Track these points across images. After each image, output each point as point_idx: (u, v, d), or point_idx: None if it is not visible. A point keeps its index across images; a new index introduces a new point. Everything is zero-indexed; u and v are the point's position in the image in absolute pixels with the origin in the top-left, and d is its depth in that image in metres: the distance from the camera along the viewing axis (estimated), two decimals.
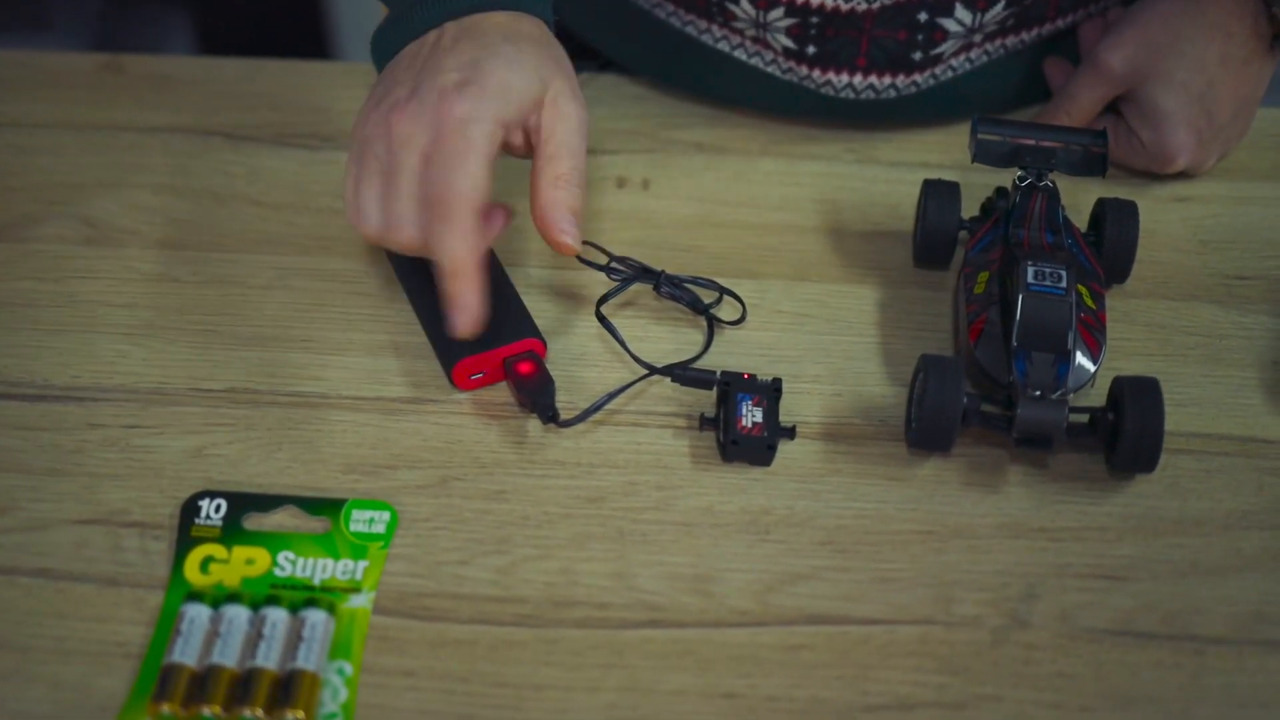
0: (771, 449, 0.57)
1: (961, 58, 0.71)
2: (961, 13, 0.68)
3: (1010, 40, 0.72)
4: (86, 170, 0.72)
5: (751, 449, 0.57)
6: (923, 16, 0.68)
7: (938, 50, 0.69)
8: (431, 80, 0.55)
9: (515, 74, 0.55)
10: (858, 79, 0.70)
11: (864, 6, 0.67)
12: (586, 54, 0.77)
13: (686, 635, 0.53)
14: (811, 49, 0.69)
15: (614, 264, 0.65)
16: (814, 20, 0.68)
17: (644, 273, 0.64)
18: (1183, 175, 0.71)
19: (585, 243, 0.65)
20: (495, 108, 0.54)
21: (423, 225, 0.54)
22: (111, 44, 1.59)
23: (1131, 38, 0.68)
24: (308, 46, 1.61)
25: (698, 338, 0.64)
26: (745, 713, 0.51)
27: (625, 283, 0.64)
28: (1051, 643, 0.53)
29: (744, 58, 0.72)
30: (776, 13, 0.69)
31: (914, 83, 0.71)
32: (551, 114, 0.56)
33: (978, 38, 0.70)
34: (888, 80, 0.70)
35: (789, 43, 0.69)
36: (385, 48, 0.60)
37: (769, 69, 0.71)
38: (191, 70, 0.78)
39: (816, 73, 0.70)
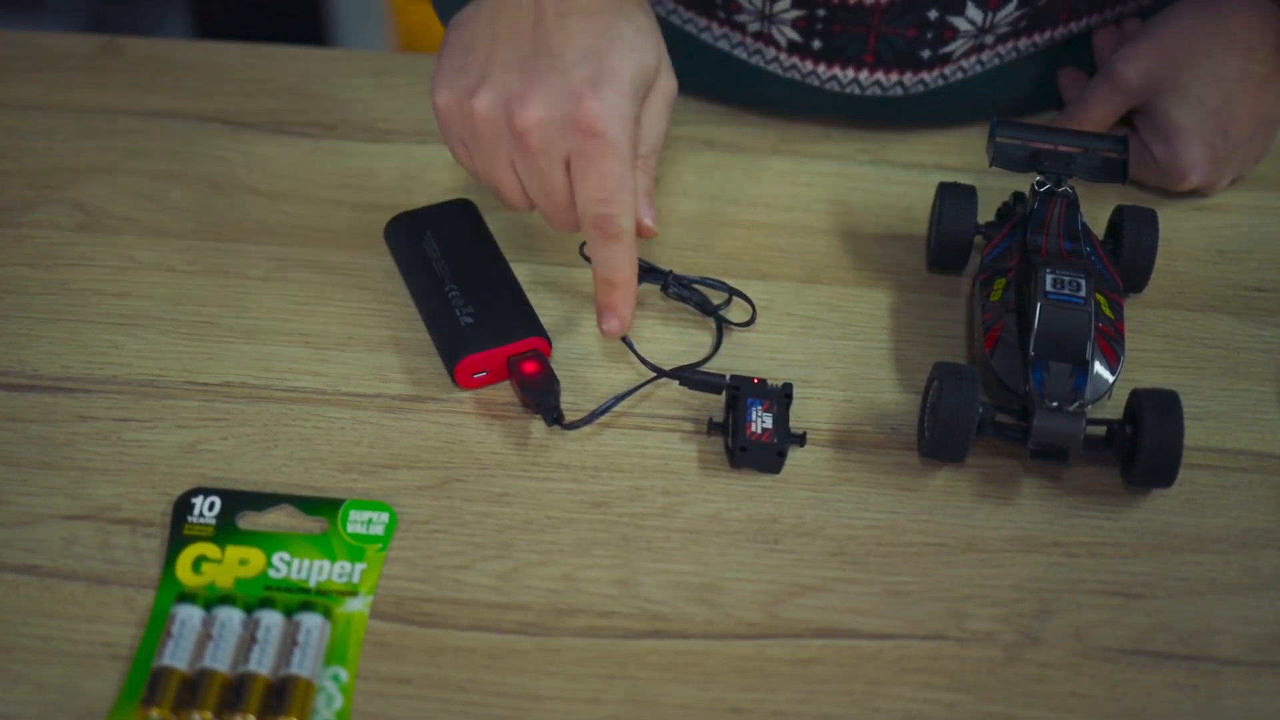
0: (781, 456, 0.56)
1: (972, 59, 0.70)
2: (972, 11, 0.66)
3: (1023, 43, 0.71)
4: (81, 155, 0.70)
5: (761, 456, 0.56)
6: (933, 14, 0.66)
7: (947, 49, 0.68)
8: (553, 74, 0.52)
9: (640, 59, 0.53)
10: (864, 75, 0.68)
11: (871, 1, 0.66)
12: None
13: (691, 647, 0.51)
14: (818, 43, 0.68)
15: None
16: (821, 14, 0.67)
17: (651, 272, 0.63)
18: (1198, 192, 0.69)
19: None
20: (632, 106, 0.53)
21: (578, 229, 0.55)
22: (105, 27, 1.57)
23: (1148, 49, 0.66)
24: (305, 33, 1.59)
25: (706, 339, 0.62)
26: None
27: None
28: (1065, 661, 0.52)
29: (744, 56, 0.70)
30: (783, 4, 0.67)
31: (922, 81, 0.69)
32: (652, 91, 0.55)
33: (989, 39, 0.69)
34: (895, 78, 0.69)
35: (795, 36, 0.68)
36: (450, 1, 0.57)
37: (770, 67, 0.70)
38: (190, 54, 0.76)
39: (822, 68, 0.68)
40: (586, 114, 0.51)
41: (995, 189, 0.68)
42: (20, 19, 1.54)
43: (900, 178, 0.70)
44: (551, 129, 0.52)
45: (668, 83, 0.55)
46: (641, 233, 0.55)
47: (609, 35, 0.52)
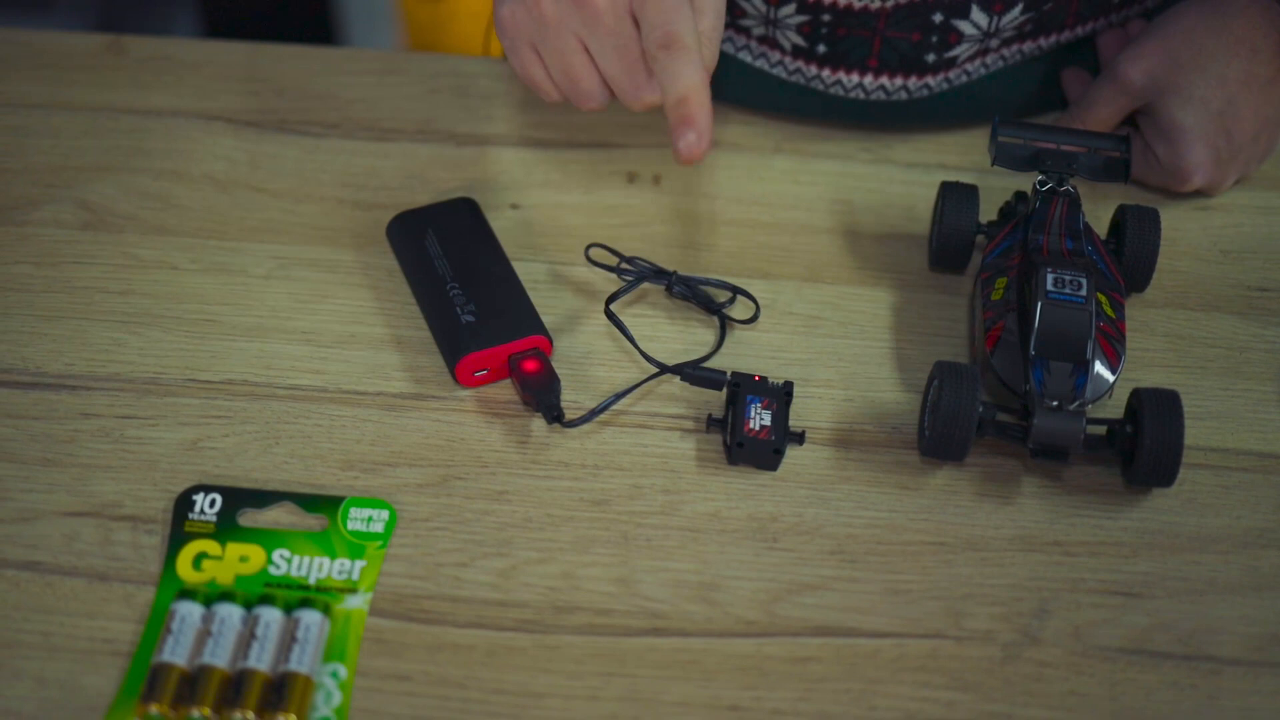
0: (779, 454, 0.56)
1: (977, 62, 0.69)
2: (977, 15, 0.66)
3: (1028, 46, 0.70)
4: (85, 153, 0.70)
5: (758, 452, 0.56)
6: (937, 18, 0.66)
7: (952, 53, 0.68)
8: None
9: None
10: (868, 79, 0.68)
11: (877, 5, 0.66)
12: None
13: (690, 645, 0.51)
14: (822, 48, 0.68)
15: (624, 264, 0.63)
16: (825, 19, 0.67)
17: (656, 274, 0.63)
18: (1201, 193, 0.69)
19: (596, 245, 0.64)
20: None
21: (647, 73, 0.56)
22: (114, 26, 1.58)
23: (1152, 50, 0.66)
24: (314, 33, 1.60)
25: (708, 337, 0.62)
26: None
27: (635, 283, 0.62)
28: (1064, 660, 0.52)
29: (749, 59, 0.70)
30: (788, 9, 0.67)
31: (926, 85, 0.69)
32: None
33: (994, 42, 0.68)
34: (899, 82, 0.69)
35: (799, 41, 0.68)
36: None
37: (774, 70, 0.70)
38: (194, 53, 0.76)
39: (826, 72, 0.68)
40: None
41: (998, 188, 0.68)
42: (29, 18, 1.54)
43: (903, 177, 0.70)
44: None
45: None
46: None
47: None
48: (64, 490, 0.55)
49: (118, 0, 1.62)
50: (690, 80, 0.54)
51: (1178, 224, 0.68)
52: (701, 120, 0.54)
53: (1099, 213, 0.67)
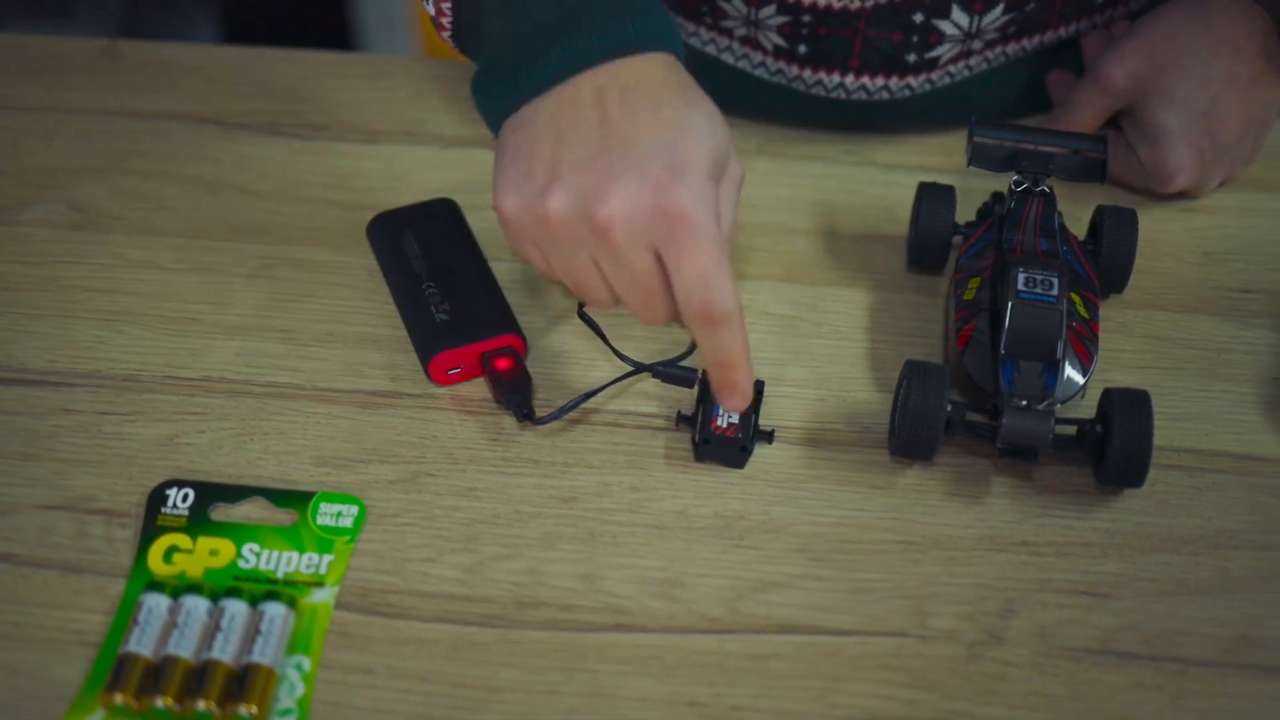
0: (745, 451, 0.56)
1: (960, 64, 0.69)
2: (958, 15, 0.66)
3: (1011, 48, 0.70)
4: (78, 155, 0.71)
5: (724, 450, 0.56)
6: (918, 17, 0.66)
7: (933, 53, 0.68)
8: (630, 168, 0.50)
9: (714, 145, 0.51)
10: (849, 79, 0.68)
11: (857, 5, 0.66)
12: None
13: (652, 641, 0.52)
14: (803, 48, 0.68)
15: None
16: (806, 19, 0.67)
17: None
18: (1185, 194, 0.69)
19: None
20: (711, 192, 0.50)
21: (667, 304, 0.52)
22: (135, 34, 1.60)
23: (1134, 51, 0.66)
24: (332, 39, 1.61)
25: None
26: None
27: None
28: (1028, 660, 0.51)
29: (731, 61, 0.71)
30: (768, 10, 0.67)
31: (908, 86, 0.69)
32: (724, 177, 0.53)
33: (977, 44, 0.68)
34: (880, 82, 0.69)
35: (780, 41, 0.68)
36: (500, 100, 0.54)
37: (756, 71, 0.70)
38: (189, 57, 0.77)
39: (807, 72, 0.69)
40: (673, 202, 0.49)
41: (980, 190, 0.68)
42: (51, 26, 1.57)
43: (884, 179, 0.70)
44: (636, 221, 0.49)
45: (737, 168, 0.54)
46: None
47: (681, 124, 0.51)
48: (42, 484, 0.56)
49: (139, 9, 1.64)
50: (734, 351, 0.52)
51: (1160, 225, 0.68)
52: (744, 383, 0.53)
53: (1080, 214, 0.67)
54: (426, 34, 1.67)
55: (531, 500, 0.56)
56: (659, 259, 0.50)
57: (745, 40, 0.70)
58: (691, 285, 0.50)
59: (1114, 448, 0.54)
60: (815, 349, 0.62)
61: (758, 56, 0.70)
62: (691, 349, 0.61)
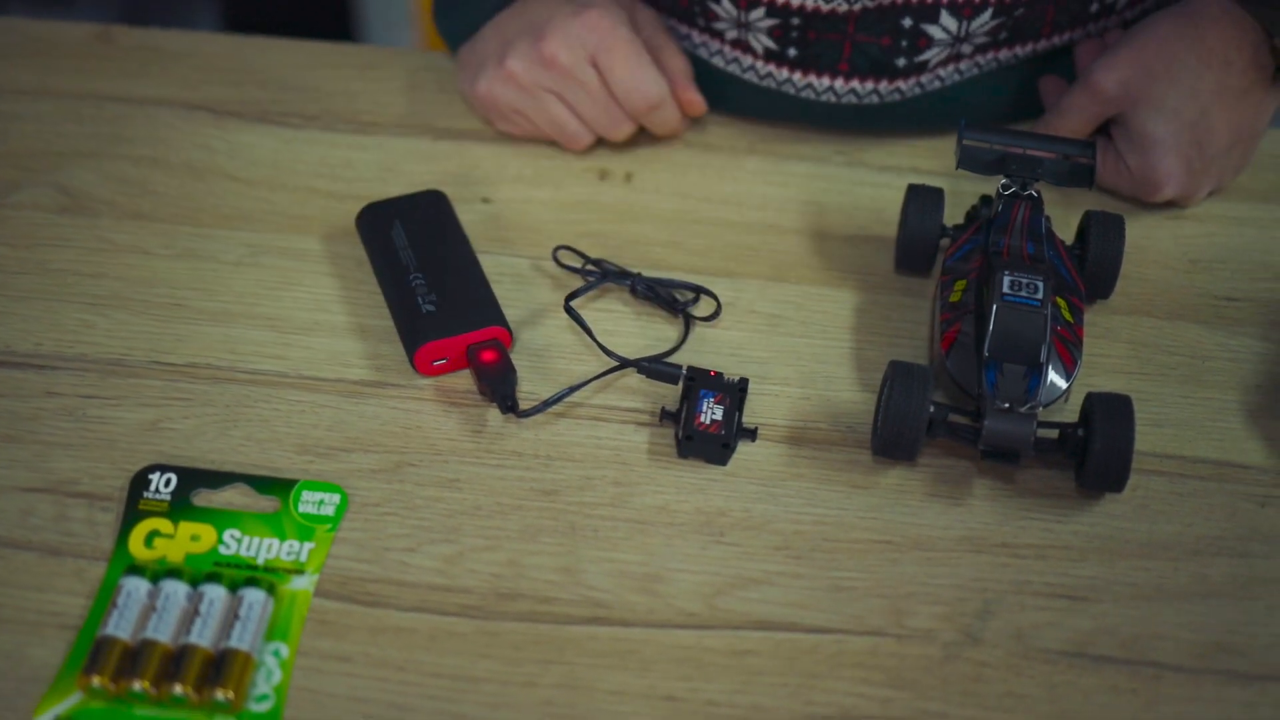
0: (728, 448, 0.56)
1: (950, 68, 0.70)
2: (947, 19, 0.66)
3: (1003, 54, 0.70)
4: (68, 139, 0.71)
5: (707, 446, 0.56)
6: (907, 22, 0.66)
7: (922, 57, 0.68)
8: (551, 17, 0.67)
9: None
10: (839, 83, 0.69)
11: (845, 8, 0.66)
12: None
13: (630, 634, 0.52)
14: (793, 51, 0.68)
15: (589, 266, 0.64)
16: (795, 22, 0.67)
17: (620, 275, 0.63)
18: (1173, 204, 0.69)
19: (563, 247, 0.65)
20: (623, 10, 0.68)
21: (628, 119, 0.69)
22: (136, 22, 1.59)
23: (1126, 59, 0.66)
24: (334, 32, 1.61)
25: (671, 334, 0.63)
26: (684, 716, 0.49)
27: (595, 283, 0.63)
28: (1004, 661, 0.51)
29: (721, 64, 0.71)
30: (758, 13, 0.67)
31: (898, 89, 0.69)
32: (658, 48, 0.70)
33: (966, 48, 0.69)
34: (870, 86, 0.69)
35: (771, 44, 0.68)
36: (458, 28, 0.71)
37: (746, 75, 0.70)
38: (182, 44, 0.77)
39: (797, 76, 0.69)
40: (589, 20, 0.66)
41: (969, 193, 0.68)
42: (51, 13, 1.56)
43: (874, 180, 0.71)
44: (571, 41, 0.66)
45: (650, 16, 0.71)
46: (688, 109, 0.70)
47: None
48: (23, 466, 0.56)
49: None
50: (673, 124, 0.70)
51: (1148, 232, 0.68)
52: (698, 105, 0.70)
53: (1068, 219, 0.67)
54: (426, 28, 1.66)
55: (513, 492, 0.56)
56: (602, 74, 0.67)
57: (736, 43, 0.70)
58: (623, 84, 0.67)
59: (1095, 452, 0.54)
60: (801, 348, 0.62)
61: (748, 60, 0.70)
62: (677, 346, 0.62)
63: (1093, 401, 0.55)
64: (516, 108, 0.68)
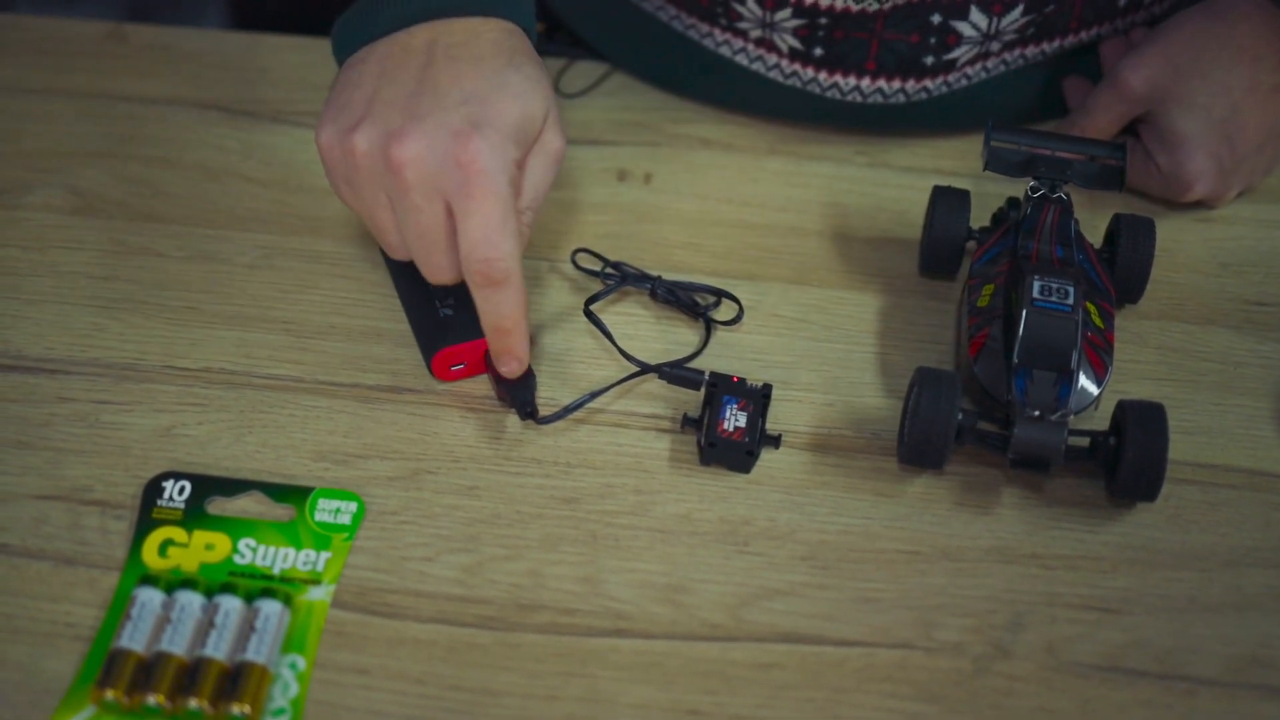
0: (751, 455, 0.55)
1: (978, 66, 0.68)
2: (977, 16, 0.65)
3: (1030, 51, 0.69)
4: (80, 139, 0.70)
5: (730, 453, 0.55)
6: (936, 19, 0.65)
7: (951, 55, 0.67)
8: (435, 112, 0.51)
9: (525, 107, 0.53)
10: (865, 82, 0.67)
11: (875, 7, 0.65)
12: (595, 57, 0.75)
13: (653, 647, 0.51)
14: (819, 50, 0.67)
15: (609, 269, 0.63)
16: (822, 21, 0.66)
17: (640, 278, 0.62)
18: (1203, 204, 0.68)
19: (582, 250, 0.64)
20: (513, 152, 0.52)
21: (463, 278, 0.53)
22: (143, 18, 1.58)
23: (1153, 57, 0.65)
24: None
25: (692, 338, 0.62)
26: None
27: (615, 286, 0.62)
28: (1035, 675, 0.50)
29: (745, 63, 0.70)
30: (784, 13, 0.66)
31: (925, 88, 0.68)
32: (536, 148, 0.54)
33: (995, 46, 0.67)
34: (897, 85, 0.68)
35: (796, 44, 0.67)
36: (348, 40, 0.56)
37: (771, 74, 0.69)
38: (195, 42, 0.76)
39: (823, 75, 0.68)
40: (468, 153, 0.50)
41: (995, 195, 0.67)
42: (57, 10, 1.55)
43: (898, 181, 0.69)
44: (429, 164, 0.51)
45: (553, 140, 0.55)
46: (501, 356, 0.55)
47: (495, 80, 0.52)
48: (36, 473, 0.55)
49: None
50: (511, 315, 0.53)
51: (1177, 235, 0.67)
52: (520, 350, 0.55)
53: (1096, 222, 0.66)
54: None
55: (533, 501, 0.55)
56: (450, 214, 0.52)
57: (760, 42, 0.69)
58: (474, 240, 0.51)
59: (1127, 461, 0.53)
60: (825, 353, 0.61)
61: (773, 59, 0.69)
62: (699, 350, 0.61)
63: (1125, 409, 0.54)
64: (349, 184, 0.54)
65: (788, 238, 0.66)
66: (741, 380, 0.57)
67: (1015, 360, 0.55)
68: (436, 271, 0.54)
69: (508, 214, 0.51)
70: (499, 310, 0.53)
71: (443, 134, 0.51)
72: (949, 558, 0.54)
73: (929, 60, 0.67)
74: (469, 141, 0.50)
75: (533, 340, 0.60)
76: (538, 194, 0.55)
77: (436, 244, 0.53)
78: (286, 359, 0.60)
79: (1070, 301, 0.56)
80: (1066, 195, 0.61)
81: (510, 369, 0.55)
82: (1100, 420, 0.57)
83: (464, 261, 0.52)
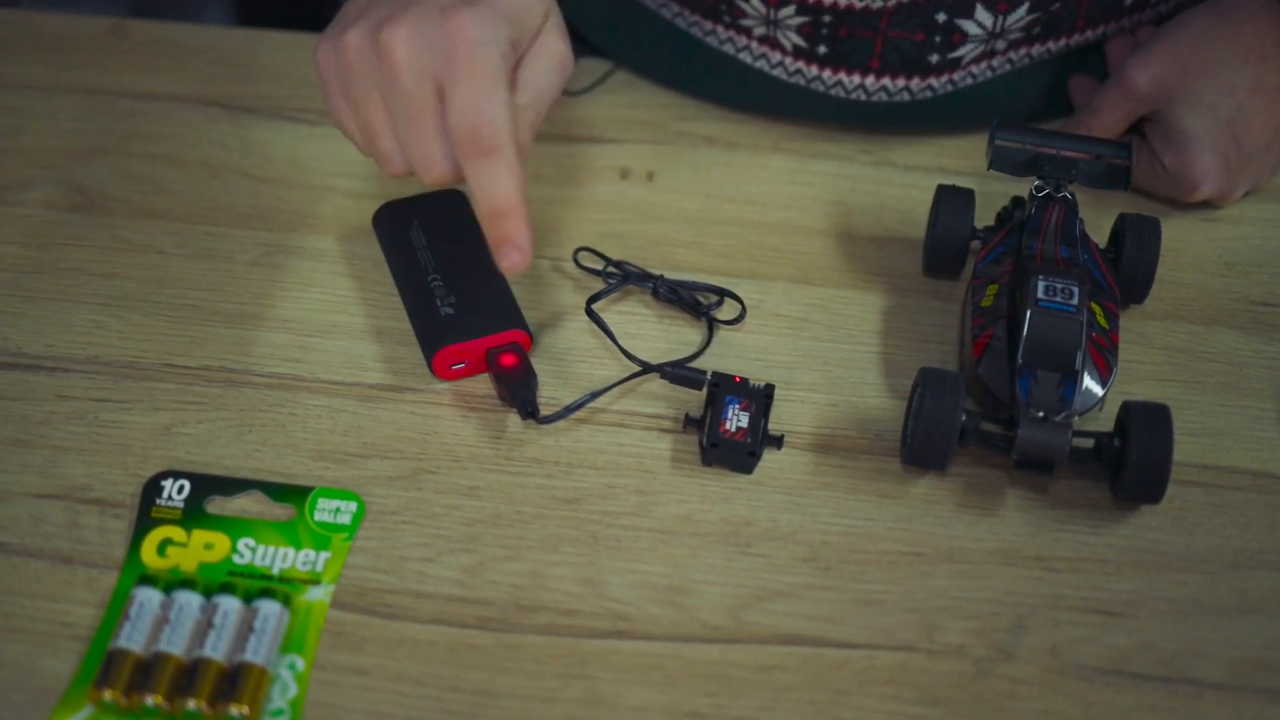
0: (753, 456, 0.55)
1: (982, 64, 0.68)
2: (982, 14, 0.65)
3: (1036, 49, 0.69)
4: (81, 136, 0.70)
5: (732, 454, 0.55)
6: (941, 17, 0.65)
7: (956, 54, 0.66)
8: (426, 0, 0.49)
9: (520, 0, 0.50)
10: (870, 80, 0.67)
11: (879, 5, 0.64)
12: (597, 55, 0.75)
13: (654, 649, 0.50)
14: (823, 48, 0.67)
15: (611, 268, 0.63)
16: (826, 19, 0.65)
17: (642, 277, 0.62)
18: (1209, 204, 0.67)
19: (584, 249, 0.63)
20: (508, 30, 0.50)
21: (457, 161, 0.50)
22: (146, 14, 1.58)
23: (1160, 56, 0.64)
24: None
25: (694, 338, 0.61)
26: None
27: (616, 285, 0.62)
28: (1039, 678, 0.50)
29: (749, 60, 0.69)
30: (788, 10, 0.66)
31: (929, 87, 0.68)
32: (537, 49, 0.51)
33: (1000, 44, 0.67)
34: (901, 83, 0.67)
35: (800, 41, 0.67)
36: None
37: (774, 71, 0.69)
38: (196, 38, 0.76)
39: (827, 73, 0.67)
40: (456, 25, 0.48)
41: (999, 194, 0.66)
42: (59, 3, 1.55)
43: (902, 180, 0.69)
44: (419, 44, 0.49)
45: (554, 43, 0.52)
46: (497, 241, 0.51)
47: None
48: (34, 471, 0.55)
49: None
50: (506, 190, 0.49)
51: (1183, 235, 0.66)
52: (520, 236, 0.50)
53: (1101, 221, 0.66)
54: None
55: (534, 501, 0.55)
56: (442, 98, 0.49)
57: (764, 40, 0.68)
58: (461, 109, 0.48)
59: (1132, 462, 0.53)
60: (827, 352, 0.61)
61: (776, 56, 0.69)
62: (701, 350, 0.60)
63: (1130, 411, 0.54)
64: (343, 90, 0.52)
65: (791, 237, 0.66)
66: (744, 380, 0.57)
67: (1019, 361, 0.55)
68: (430, 163, 0.51)
69: (497, 82, 0.49)
70: (492, 187, 0.49)
71: (432, 13, 0.49)
72: (952, 559, 0.53)
73: (934, 59, 0.67)
74: (457, 13, 0.49)
75: (533, 339, 0.59)
76: (540, 96, 0.52)
77: (427, 129, 0.50)
78: (286, 357, 0.60)
79: (1075, 302, 0.55)
80: (1071, 195, 0.61)
81: (512, 261, 0.50)
82: (1105, 421, 0.57)
83: (451, 134, 0.49)
